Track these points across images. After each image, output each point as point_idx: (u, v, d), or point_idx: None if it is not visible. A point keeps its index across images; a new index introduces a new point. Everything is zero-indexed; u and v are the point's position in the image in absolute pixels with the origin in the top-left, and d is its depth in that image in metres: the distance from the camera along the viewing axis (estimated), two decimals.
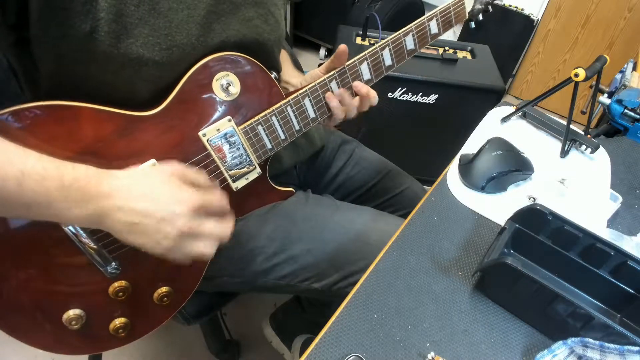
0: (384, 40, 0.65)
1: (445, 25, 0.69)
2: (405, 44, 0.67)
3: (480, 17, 0.74)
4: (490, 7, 0.74)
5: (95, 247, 0.52)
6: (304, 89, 0.62)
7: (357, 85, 0.66)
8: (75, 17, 0.46)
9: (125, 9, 0.48)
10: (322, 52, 2.66)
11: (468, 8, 0.71)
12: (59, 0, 0.45)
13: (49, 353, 0.57)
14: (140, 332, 0.63)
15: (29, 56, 0.51)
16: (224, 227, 0.52)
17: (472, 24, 0.76)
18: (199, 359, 1.22)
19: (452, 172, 0.74)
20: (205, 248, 0.50)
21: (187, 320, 0.81)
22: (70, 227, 0.51)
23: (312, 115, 0.65)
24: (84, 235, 0.51)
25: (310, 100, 0.63)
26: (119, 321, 0.59)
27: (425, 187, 0.90)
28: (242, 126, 0.59)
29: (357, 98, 0.68)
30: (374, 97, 0.68)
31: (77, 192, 0.44)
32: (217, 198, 0.52)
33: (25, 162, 0.42)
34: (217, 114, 0.57)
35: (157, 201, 0.47)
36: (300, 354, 1.10)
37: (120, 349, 0.62)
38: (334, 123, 0.70)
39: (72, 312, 0.55)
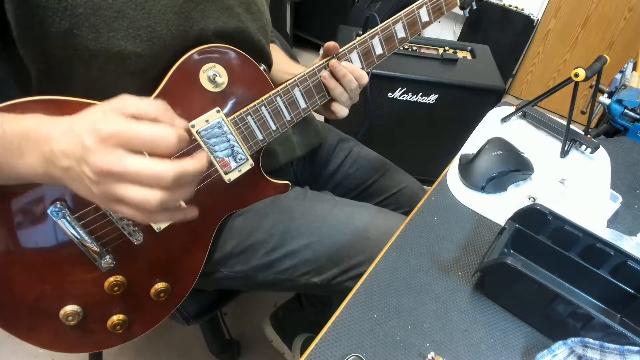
0: (374, 29, 0.65)
1: (436, 12, 0.68)
2: (396, 32, 0.66)
3: (474, 5, 0.73)
4: None
5: (88, 239, 0.53)
6: (293, 79, 0.62)
7: (333, 63, 0.63)
8: (54, 15, 0.47)
9: (102, 3, 0.48)
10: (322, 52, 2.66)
11: None
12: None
13: (49, 353, 0.57)
14: (138, 329, 0.63)
15: (17, 58, 0.51)
16: (163, 167, 0.38)
17: (466, 12, 0.75)
18: (199, 359, 1.22)
19: (452, 172, 0.74)
20: (138, 196, 0.38)
21: (187, 320, 0.81)
22: (63, 219, 0.51)
23: (302, 105, 0.65)
24: (77, 226, 0.51)
25: (300, 90, 0.63)
26: (116, 318, 0.59)
27: (425, 187, 0.90)
28: (231, 117, 0.59)
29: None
30: (351, 79, 0.64)
31: (16, 139, 0.41)
32: (151, 127, 0.38)
33: None
34: (205, 106, 0.57)
35: (72, 136, 0.39)
36: (301, 354, 1.10)
37: (120, 349, 0.62)
38: (336, 113, 0.68)
39: (70, 308, 0.56)
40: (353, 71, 0.65)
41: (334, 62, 0.64)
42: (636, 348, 0.43)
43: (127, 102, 0.40)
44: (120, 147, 0.38)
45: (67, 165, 0.39)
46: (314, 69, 0.64)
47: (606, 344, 0.45)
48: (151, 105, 0.41)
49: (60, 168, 0.40)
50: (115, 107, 0.40)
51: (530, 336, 0.52)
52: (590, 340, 0.45)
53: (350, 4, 2.30)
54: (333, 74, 0.65)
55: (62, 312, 0.55)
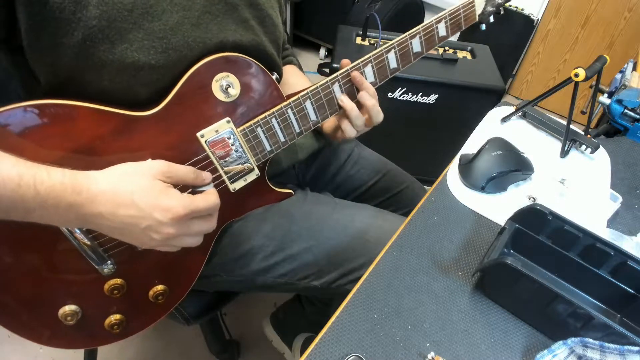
0: (390, 43, 0.64)
1: (454, 28, 0.68)
2: (412, 47, 0.65)
3: (492, 19, 0.72)
4: (501, 9, 0.72)
5: (90, 245, 0.53)
6: (305, 91, 0.61)
7: (363, 95, 0.64)
8: (67, 26, 0.46)
9: (117, 15, 0.47)
10: (322, 52, 2.66)
11: (478, 10, 0.70)
12: (48, 10, 0.45)
13: (49, 352, 0.57)
14: (135, 329, 0.64)
15: (25, 65, 0.51)
16: (209, 224, 0.54)
17: (483, 26, 0.74)
18: (199, 359, 1.22)
19: (452, 172, 0.74)
20: (192, 242, 0.53)
21: (187, 320, 0.81)
22: None
23: (313, 117, 0.64)
24: (79, 233, 0.51)
25: (311, 102, 0.63)
26: (114, 318, 0.60)
27: (425, 187, 0.90)
28: (241, 128, 0.59)
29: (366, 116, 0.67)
30: (376, 113, 0.66)
31: (54, 201, 0.43)
32: (204, 202, 0.51)
33: (0, 167, 0.41)
34: (215, 115, 0.57)
35: (141, 209, 0.46)
36: (301, 354, 1.10)
37: (120, 348, 0.62)
38: (344, 132, 0.68)
39: (68, 308, 0.56)
40: (375, 105, 0.65)
41: (364, 95, 0.64)
42: (636, 348, 0.44)
43: (170, 171, 0.50)
44: (186, 219, 0.49)
45: (119, 227, 0.47)
46: (327, 82, 0.63)
47: (606, 344, 0.45)
48: (191, 173, 0.53)
49: (104, 226, 0.47)
50: (161, 174, 0.49)
51: (530, 336, 0.52)
52: (590, 340, 0.45)
53: (350, 4, 2.30)
54: (354, 85, 0.64)
55: (61, 311, 0.56)
